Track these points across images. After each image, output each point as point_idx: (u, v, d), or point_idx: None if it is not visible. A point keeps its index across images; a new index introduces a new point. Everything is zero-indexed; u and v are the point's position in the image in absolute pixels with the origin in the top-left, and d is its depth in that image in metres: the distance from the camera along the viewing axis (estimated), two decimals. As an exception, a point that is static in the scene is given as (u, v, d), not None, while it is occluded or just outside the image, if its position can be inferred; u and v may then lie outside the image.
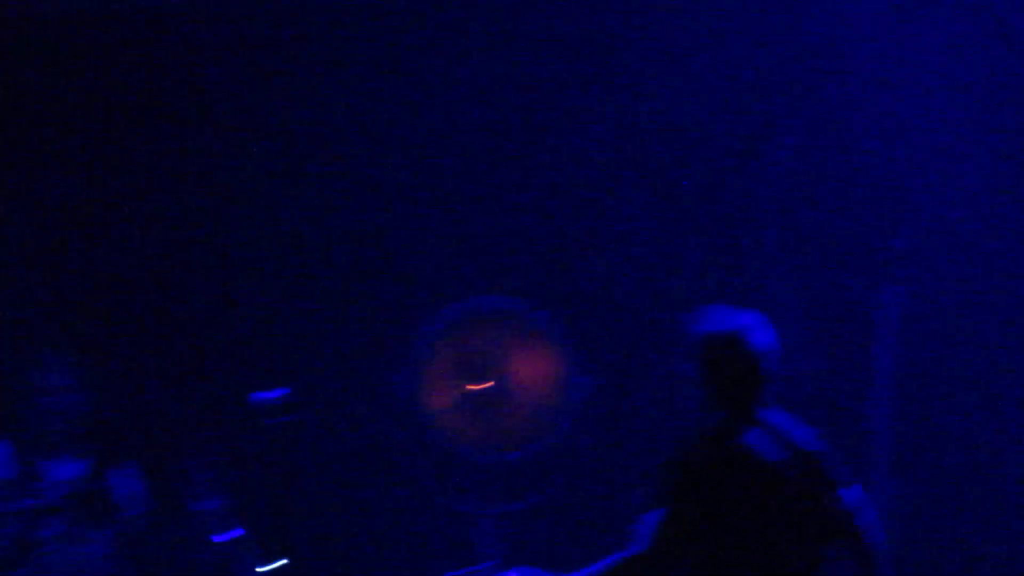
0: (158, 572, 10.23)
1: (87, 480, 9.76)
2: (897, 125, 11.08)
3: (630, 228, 11.42)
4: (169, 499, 9.90)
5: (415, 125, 11.67)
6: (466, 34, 11.40)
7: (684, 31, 11.52)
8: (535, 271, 11.27)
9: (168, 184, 11.64)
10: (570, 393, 11.25)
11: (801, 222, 11.17)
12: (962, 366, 10.86)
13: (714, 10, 11.27)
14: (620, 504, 8.51)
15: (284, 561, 9.33)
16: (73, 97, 11.60)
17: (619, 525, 7.64)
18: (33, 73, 11.63)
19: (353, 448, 11.12)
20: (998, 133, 11.00)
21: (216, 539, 9.19)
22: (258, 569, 9.24)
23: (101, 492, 9.71)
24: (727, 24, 11.51)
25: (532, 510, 10.81)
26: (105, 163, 11.67)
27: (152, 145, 11.65)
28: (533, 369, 11.29)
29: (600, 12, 11.30)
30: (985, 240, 10.92)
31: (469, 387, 11.30)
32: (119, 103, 11.57)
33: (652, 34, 11.37)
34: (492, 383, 11.32)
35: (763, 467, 7.33)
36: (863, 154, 11.29)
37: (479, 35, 11.41)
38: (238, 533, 9.30)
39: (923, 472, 10.91)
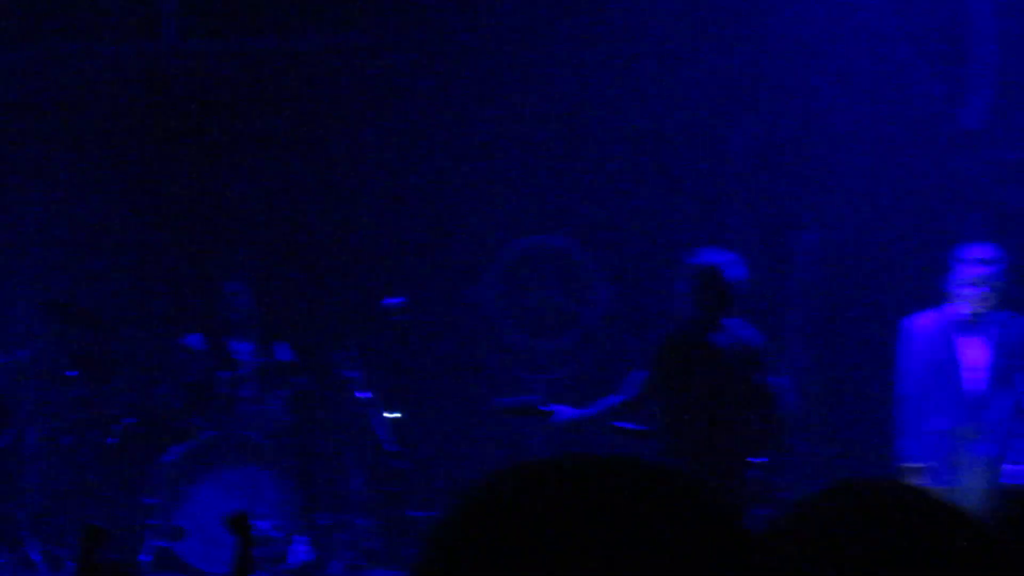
0: (317, 417, 10.69)
1: (261, 355, 10.54)
2: (815, 101, 11.15)
3: (639, 192, 11.31)
4: (322, 369, 10.50)
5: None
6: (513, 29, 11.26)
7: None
8: (573, 215, 11.64)
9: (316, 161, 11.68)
10: (593, 301, 11.76)
11: (750, 187, 11.37)
12: (864, 292, 11.01)
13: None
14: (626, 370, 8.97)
15: (399, 414, 10.19)
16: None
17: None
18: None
19: (447, 335, 11.58)
20: (900, 105, 10.99)
21: (358, 395, 10.14)
22: (385, 415, 10.08)
23: (273, 364, 10.51)
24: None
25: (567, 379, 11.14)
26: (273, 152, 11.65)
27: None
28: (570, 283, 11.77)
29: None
30: (887, 194, 11.06)
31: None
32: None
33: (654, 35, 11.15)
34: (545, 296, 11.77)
35: (715, 352, 8.34)
36: (795, 130, 11.22)
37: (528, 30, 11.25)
38: (368, 395, 10.16)
39: (829, 372, 11.17)
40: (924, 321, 8.65)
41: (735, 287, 8.36)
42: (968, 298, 8.50)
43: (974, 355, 8.62)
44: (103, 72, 11.31)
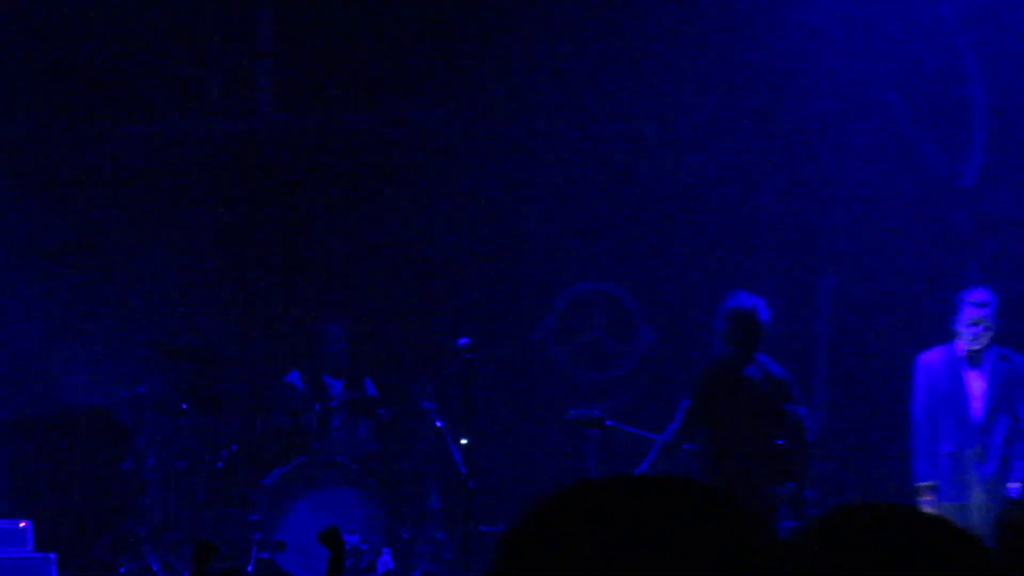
0: (398, 444, 10.49)
1: (351, 390, 10.62)
2: (833, 165, 11.23)
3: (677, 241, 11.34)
4: (402, 402, 10.51)
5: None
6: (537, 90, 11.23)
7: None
8: (619, 264, 11.60)
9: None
10: (639, 339, 11.73)
11: (778, 239, 11.46)
12: (877, 331, 10.97)
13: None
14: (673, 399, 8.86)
15: (468, 440, 9.60)
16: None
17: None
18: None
19: (513, 369, 11.51)
20: (906, 167, 11.04)
21: (434, 424, 10.02)
22: (457, 441, 9.71)
23: (361, 398, 10.57)
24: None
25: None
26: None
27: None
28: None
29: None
30: (895, 245, 11.10)
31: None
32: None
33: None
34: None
35: (749, 384, 8.44)
36: (817, 188, 11.34)
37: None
38: (442, 424, 10.02)
39: (850, 401, 11.10)
40: (934, 356, 8.85)
41: (765, 327, 8.47)
42: (967, 336, 8.72)
43: (975, 386, 8.76)
44: (209, 142, 11.49)
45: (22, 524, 9.35)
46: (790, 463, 8.47)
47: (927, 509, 8.36)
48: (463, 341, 9.60)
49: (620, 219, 11.48)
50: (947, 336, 8.85)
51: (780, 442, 8.48)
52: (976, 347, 8.76)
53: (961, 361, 8.82)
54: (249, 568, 9.75)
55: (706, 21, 10.93)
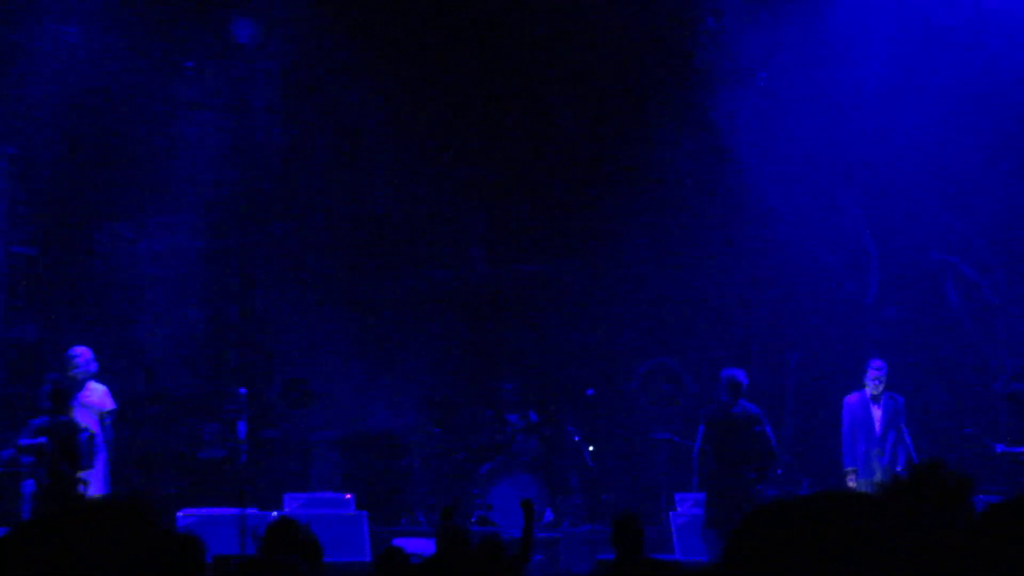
0: (553, 448, 10.92)
1: (523, 419, 11.02)
2: (792, 288, 11.46)
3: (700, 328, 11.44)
4: (555, 424, 10.87)
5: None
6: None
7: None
8: (677, 347, 11.86)
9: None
10: (685, 389, 11.91)
11: (764, 330, 11.84)
12: (822, 384, 11.09)
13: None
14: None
15: (591, 448, 10.47)
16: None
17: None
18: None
19: (617, 406, 11.71)
20: (830, 291, 11.33)
21: (574, 438, 10.54)
22: (587, 448, 10.50)
23: (529, 423, 11.01)
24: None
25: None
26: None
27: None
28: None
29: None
30: (831, 338, 11.40)
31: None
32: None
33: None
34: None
35: (733, 417, 8.93)
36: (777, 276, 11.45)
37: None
38: (578, 437, 10.51)
39: (806, 426, 11.30)
40: (853, 397, 9.68)
41: (744, 384, 9.13)
42: (871, 386, 9.69)
43: (876, 414, 9.62)
44: (447, 284, 12.09)
45: (347, 496, 9.84)
46: (761, 464, 9.02)
47: (850, 483, 9.56)
48: (590, 391, 10.56)
49: (676, 321, 11.94)
50: (860, 386, 9.68)
51: (754, 452, 8.97)
52: (876, 392, 9.63)
53: (868, 400, 9.67)
54: (473, 519, 10.31)
55: (717, 217, 11.63)
